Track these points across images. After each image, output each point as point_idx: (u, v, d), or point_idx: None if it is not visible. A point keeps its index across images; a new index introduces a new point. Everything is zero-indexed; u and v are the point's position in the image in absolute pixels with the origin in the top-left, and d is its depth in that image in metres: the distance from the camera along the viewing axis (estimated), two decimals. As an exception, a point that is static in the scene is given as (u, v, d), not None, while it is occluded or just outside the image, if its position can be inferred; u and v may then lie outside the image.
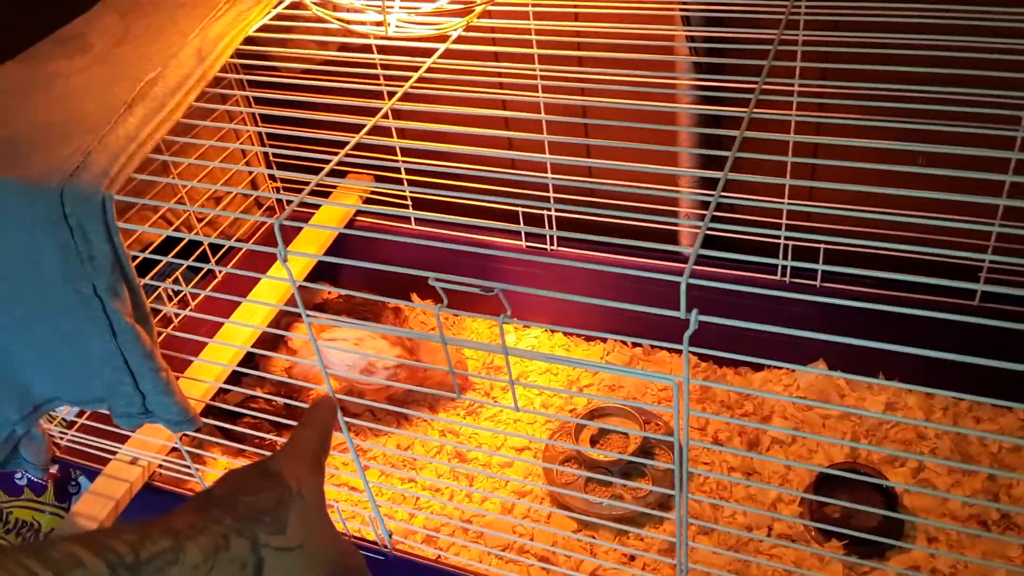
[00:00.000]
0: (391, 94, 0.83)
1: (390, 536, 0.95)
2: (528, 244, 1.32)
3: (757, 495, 1.09)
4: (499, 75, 1.08)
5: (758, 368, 1.27)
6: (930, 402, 1.17)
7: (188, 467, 1.00)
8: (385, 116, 0.77)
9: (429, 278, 0.61)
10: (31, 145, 0.83)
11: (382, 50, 1.06)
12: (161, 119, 0.83)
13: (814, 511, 1.06)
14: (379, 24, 0.84)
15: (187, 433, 0.89)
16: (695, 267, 0.54)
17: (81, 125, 0.84)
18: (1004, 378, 0.54)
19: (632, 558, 1.04)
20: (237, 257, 1.38)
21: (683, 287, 0.52)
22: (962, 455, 1.09)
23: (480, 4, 0.89)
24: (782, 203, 1.09)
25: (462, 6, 0.87)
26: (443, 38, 0.90)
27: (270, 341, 1.32)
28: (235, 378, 1.27)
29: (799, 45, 0.92)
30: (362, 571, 0.64)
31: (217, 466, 1.20)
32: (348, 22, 0.87)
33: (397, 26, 0.85)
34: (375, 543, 0.95)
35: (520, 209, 1.27)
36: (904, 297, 1.09)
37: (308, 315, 0.72)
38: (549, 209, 1.26)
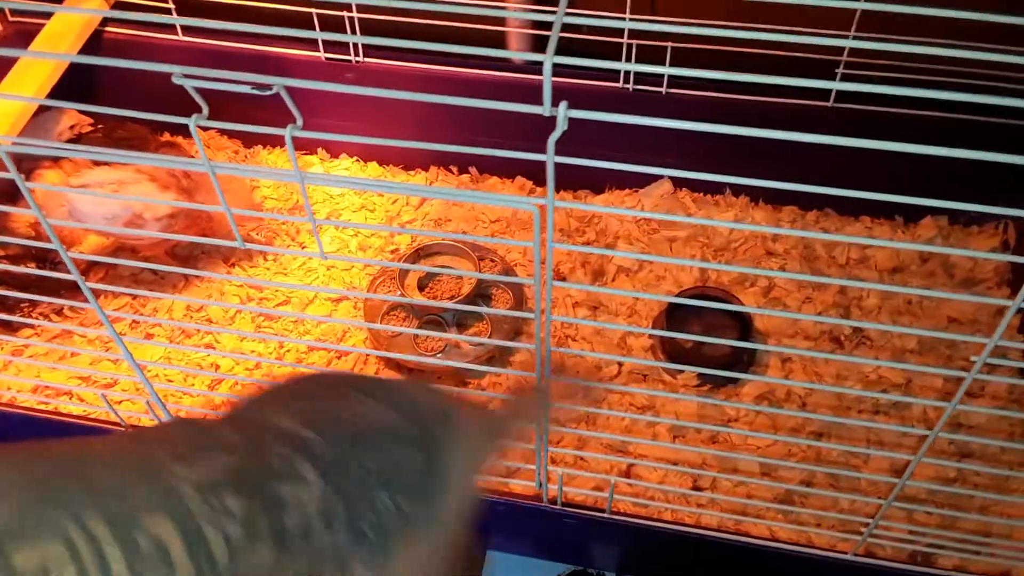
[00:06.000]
0: None
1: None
2: (327, 56, 1.08)
3: (604, 331, 0.99)
4: None
5: (599, 191, 1.15)
6: (777, 215, 1.10)
7: None
8: None
9: (173, 75, 0.40)
10: None
11: None
12: None
13: (664, 343, 0.98)
14: None
15: None
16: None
17: None
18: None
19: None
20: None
21: (547, 69, 0.36)
22: (812, 271, 1.04)
23: None
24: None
25: None
26: None
27: (7, 193, 1.04)
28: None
29: None
30: None
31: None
32: None
33: None
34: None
35: (315, 11, 1.04)
36: (755, 101, 1.00)
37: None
38: (351, 10, 1.03)
